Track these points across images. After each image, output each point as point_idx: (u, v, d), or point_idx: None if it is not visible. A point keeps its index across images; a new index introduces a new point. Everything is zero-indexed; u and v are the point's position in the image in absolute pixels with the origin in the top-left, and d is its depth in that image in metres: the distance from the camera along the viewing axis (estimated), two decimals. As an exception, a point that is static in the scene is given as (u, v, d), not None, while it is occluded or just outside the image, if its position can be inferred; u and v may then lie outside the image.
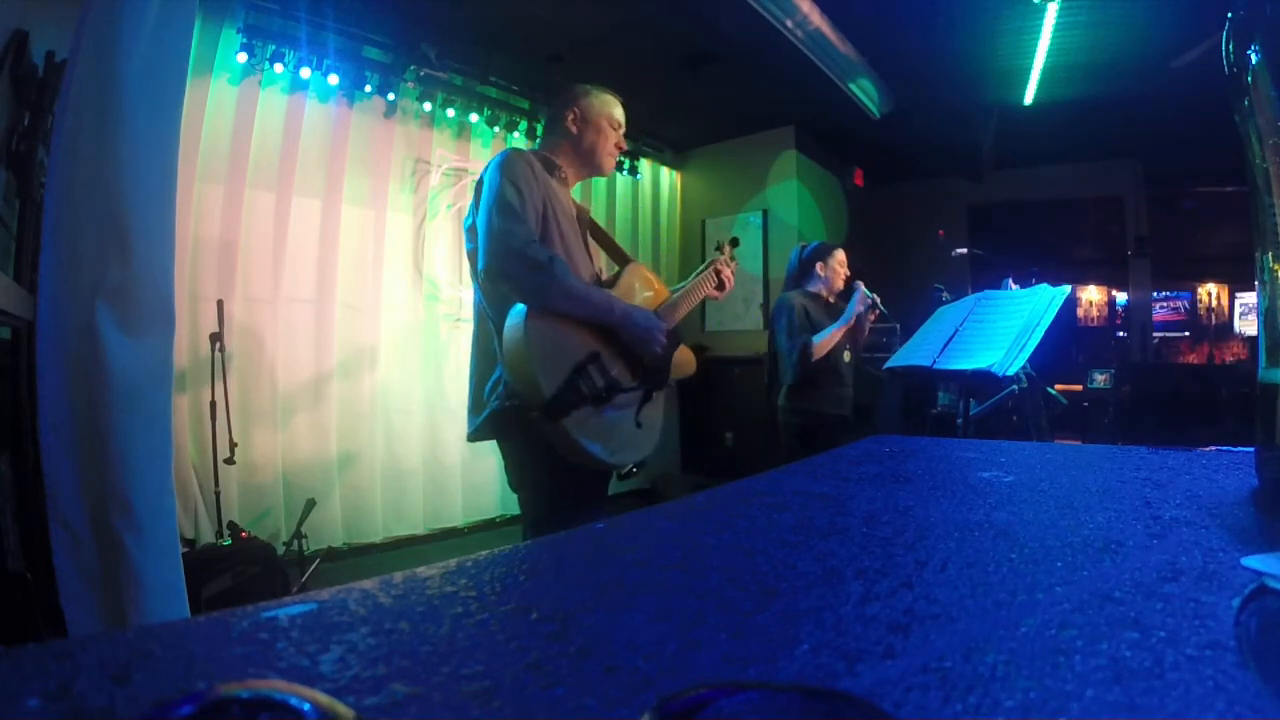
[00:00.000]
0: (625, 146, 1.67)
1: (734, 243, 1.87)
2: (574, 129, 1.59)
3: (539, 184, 1.46)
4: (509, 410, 1.39)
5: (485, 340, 1.50)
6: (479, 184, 1.46)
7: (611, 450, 1.38)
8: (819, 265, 2.85)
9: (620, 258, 1.70)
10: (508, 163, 1.44)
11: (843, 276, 2.88)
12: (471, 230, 1.47)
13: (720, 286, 1.73)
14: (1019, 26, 3.70)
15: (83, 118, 1.45)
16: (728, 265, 1.76)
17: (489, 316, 1.47)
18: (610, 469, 1.43)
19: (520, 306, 1.34)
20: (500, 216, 1.36)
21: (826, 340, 2.66)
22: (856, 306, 2.71)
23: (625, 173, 4.95)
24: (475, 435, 1.49)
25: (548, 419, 1.30)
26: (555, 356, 1.35)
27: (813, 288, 2.86)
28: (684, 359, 1.62)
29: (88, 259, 1.44)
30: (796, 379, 2.71)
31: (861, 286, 2.82)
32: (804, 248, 2.94)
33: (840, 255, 2.88)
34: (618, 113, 1.64)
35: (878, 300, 2.81)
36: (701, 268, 1.74)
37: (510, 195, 1.38)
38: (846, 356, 2.81)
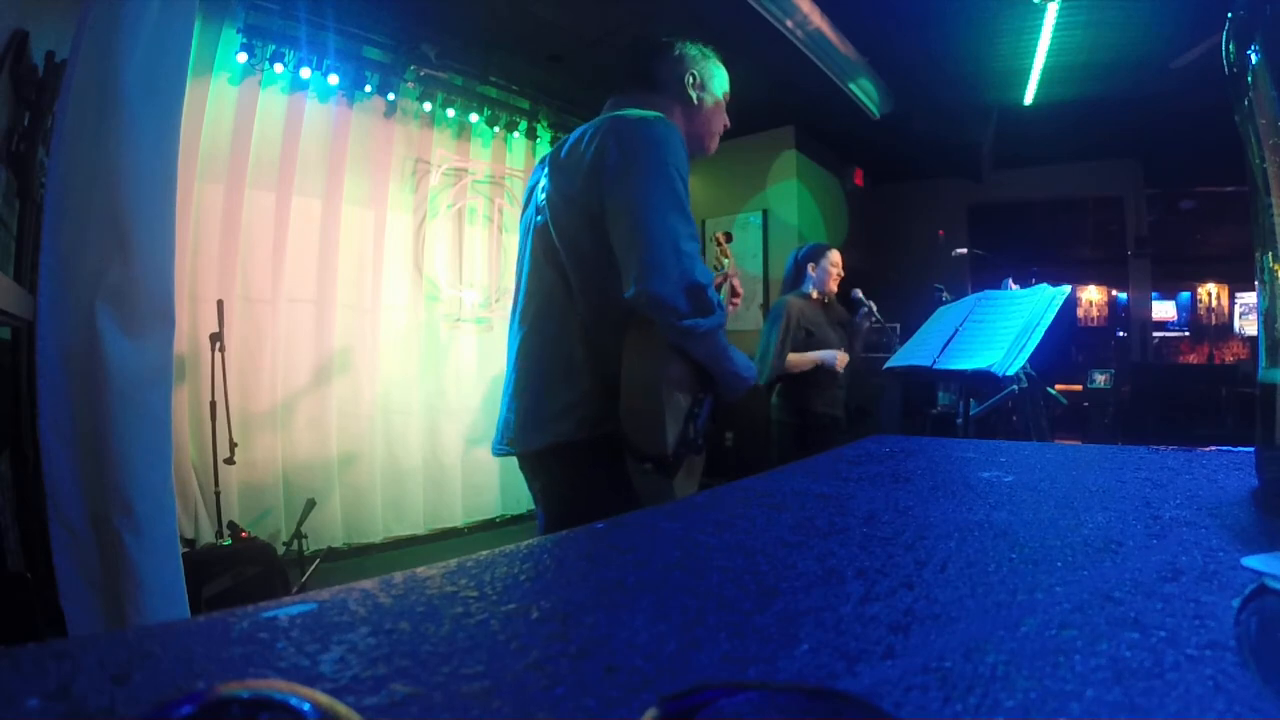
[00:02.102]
0: (730, 124, 1.40)
1: (728, 237, 1.72)
2: (693, 94, 1.31)
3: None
4: (590, 443, 1.14)
5: (559, 343, 1.19)
6: (610, 149, 1.12)
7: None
8: (810, 266, 2.93)
9: None
10: (670, 142, 1.12)
11: (835, 277, 2.95)
12: (576, 197, 1.16)
13: (733, 303, 1.57)
14: (1019, 26, 3.70)
15: (83, 118, 1.44)
16: (734, 273, 1.59)
17: (577, 318, 1.17)
18: None
19: (658, 339, 1.11)
20: (680, 225, 1.08)
21: (798, 360, 2.76)
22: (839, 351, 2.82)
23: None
24: (523, 459, 1.21)
25: (662, 473, 1.10)
26: (680, 403, 1.14)
27: (806, 289, 2.94)
28: None
29: (88, 259, 1.44)
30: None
31: (858, 293, 2.95)
32: (800, 250, 3.02)
33: (833, 256, 2.95)
34: (728, 83, 1.38)
35: (874, 308, 2.95)
36: (724, 289, 1.59)
37: (683, 193, 1.10)
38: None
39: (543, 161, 1.29)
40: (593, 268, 1.15)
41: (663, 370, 1.11)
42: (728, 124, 1.40)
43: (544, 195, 1.22)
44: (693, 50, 1.34)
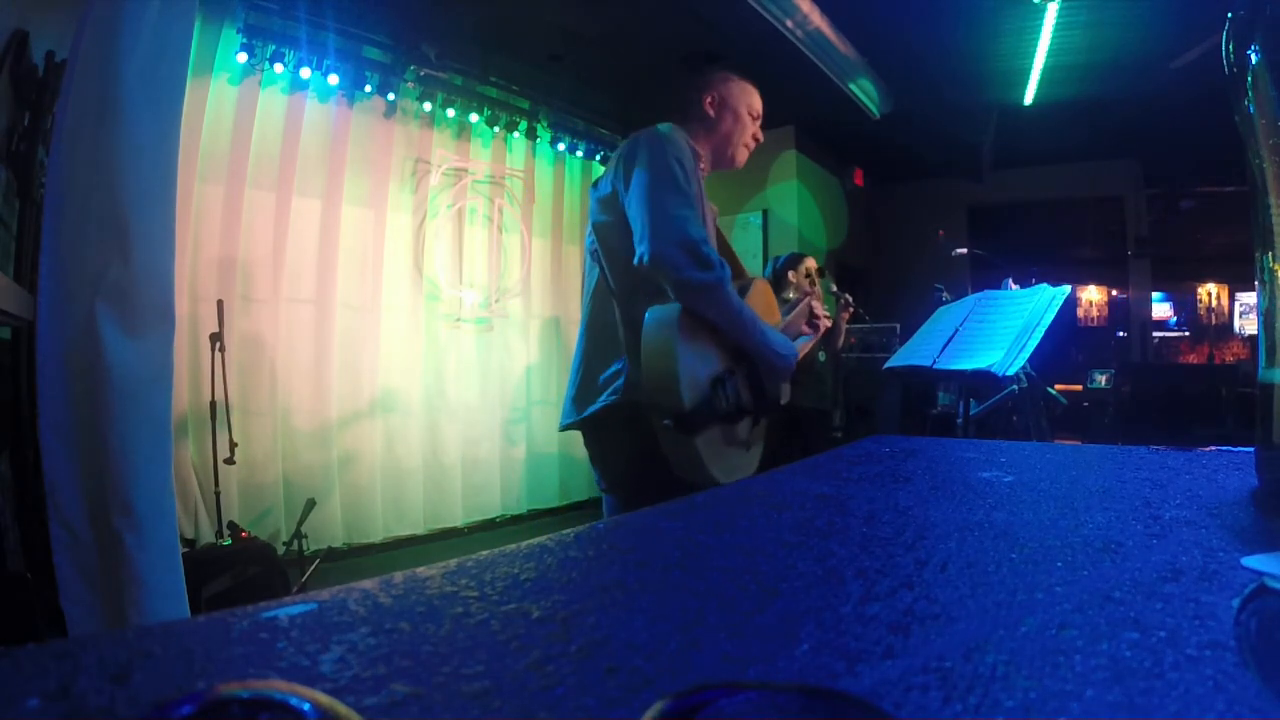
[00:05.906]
0: (762, 139, 1.54)
1: (821, 273, 1.87)
2: (711, 112, 1.46)
3: (695, 169, 1.33)
4: (625, 406, 1.29)
5: (604, 328, 1.37)
6: (623, 156, 1.32)
7: (724, 472, 1.29)
8: (791, 274, 3.14)
9: (738, 269, 1.59)
10: (670, 139, 1.30)
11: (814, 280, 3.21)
12: (606, 201, 1.34)
13: (814, 324, 1.76)
14: (1019, 26, 3.70)
15: (83, 118, 1.45)
16: (819, 300, 1.74)
17: (616, 305, 1.35)
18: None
19: (674, 305, 1.24)
20: (673, 198, 1.24)
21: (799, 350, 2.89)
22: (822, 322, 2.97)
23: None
24: (576, 426, 1.39)
25: (682, 431, 1.20)
26: (699, 366, 1.26)
27: (788, 294, 3.12)
28: (785, 389, 1.55)
29: (88, 259, 1.44)
30: None
31: (836, 288, 3.14)
32: (776, 259, 3.26)
33: (810, 262, 3.19)
34: (757, 102, 1.50)
35: (850, 299, 3.14)
36: (795, 300, 1.76)
37: (680, 176, 1.26)
38: (822, 355, 3.14)
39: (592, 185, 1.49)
40: (622, 258, 1.31)
41: (676, 332, 1.22)
42: (759, 138, 1.53)
43: (591, 205, 1.43)
44: (717, 74, 1.48)
